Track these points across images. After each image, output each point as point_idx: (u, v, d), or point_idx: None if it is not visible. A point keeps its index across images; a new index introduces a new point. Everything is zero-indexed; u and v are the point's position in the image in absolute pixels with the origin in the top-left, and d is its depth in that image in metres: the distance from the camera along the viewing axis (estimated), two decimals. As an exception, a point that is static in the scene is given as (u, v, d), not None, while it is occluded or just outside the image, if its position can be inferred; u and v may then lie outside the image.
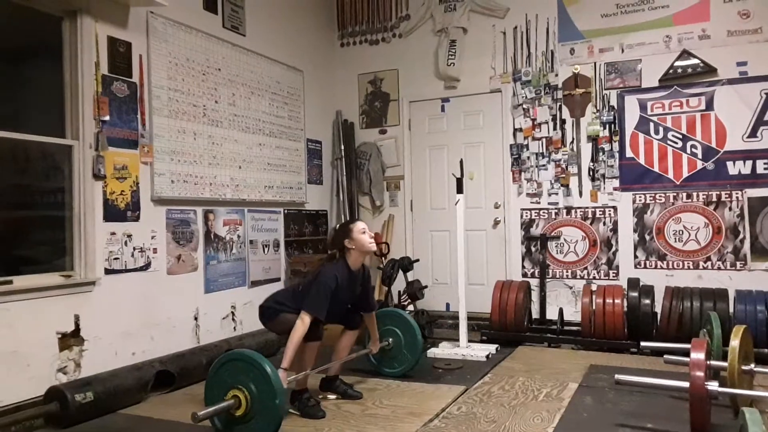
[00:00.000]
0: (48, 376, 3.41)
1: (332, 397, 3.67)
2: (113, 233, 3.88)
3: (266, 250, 5.30)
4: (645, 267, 5.30)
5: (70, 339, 3.57)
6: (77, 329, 3.61)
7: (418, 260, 5.80)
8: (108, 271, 3.82)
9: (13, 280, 3.33)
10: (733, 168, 5.05)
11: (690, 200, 5.19)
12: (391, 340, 4.09)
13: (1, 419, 3.11)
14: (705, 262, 5.13)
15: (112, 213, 3.87)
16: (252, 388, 2.88)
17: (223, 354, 3.17)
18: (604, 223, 5.47)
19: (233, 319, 4.87)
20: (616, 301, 4.72)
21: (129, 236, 3.99)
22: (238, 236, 4.99)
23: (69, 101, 3.72)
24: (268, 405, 2.85)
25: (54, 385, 3.34)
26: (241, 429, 2.92)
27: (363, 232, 3.50)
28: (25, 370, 3.32)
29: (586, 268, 5.53)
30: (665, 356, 3.74)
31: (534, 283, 5.59)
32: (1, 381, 3.19)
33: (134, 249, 4.02)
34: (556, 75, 5.62)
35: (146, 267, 4.10)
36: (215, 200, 4.70)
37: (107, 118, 3.84)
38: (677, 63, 5.19)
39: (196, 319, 4.50)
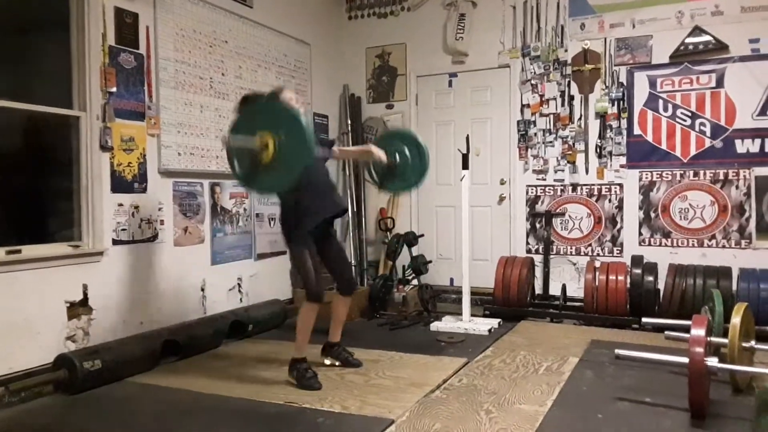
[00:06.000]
0: (57, 344, 3.48)
1: (329, 362, 3.74)
2: (120, 204, 3.92)
3: (272, 223, 5.33)
4: (649, 244, 5.30)
5: (79, 308, 3.63)
6: (85, 298, 3.67)
7: (422, 235, 5.83)
8: (116, 242, 3.87)
9: (22, 250, 3.38)
10: (742, 146, 5.01)
11: (697, 178, 5.16)
12: (399, 158, 4.02)
13: (11, 385, 3.19)
14: (710, 240, 5.12)
15: (120, 184, 3.91)
16: (282, 136, 2.88)
17: (258, 101, 3.27)
18: (610, 201, 5.46)
19: (239, 291, 4.93)
20: (619, 277, 4.74)
21: (136, 208, 4.02)
22: (245, 209, 5.02)
23: (76, 72, 3.73)
24: (294, 155, 2.86)
25: (63, 353, 3.42)
26: (262, 177, 2.95)
27: (291, 99, 3.50)
28: (35, 337, 3.38)
29: (590, 244, 5.54)
30: (666, 332, 3.75)
31: (538, 259, 5.61)
32: (11, 348, 3.26)
33: (141, 220, 4.06)
34: (566, 50, 5.56)
35: (153, 238, 4.15)
36: (222, 173, 4.72)
37: (114, 89, 3.85)
38: (689, 39, 5.12)
39: (202, 290, 4.55)
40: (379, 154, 3.87)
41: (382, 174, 4.09)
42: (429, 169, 4.12)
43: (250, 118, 3.05)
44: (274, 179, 2.99)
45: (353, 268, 6.05)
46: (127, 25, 3.96)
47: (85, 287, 3.66)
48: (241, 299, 4.93)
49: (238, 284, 4.93)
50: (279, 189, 3.20)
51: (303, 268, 3.45)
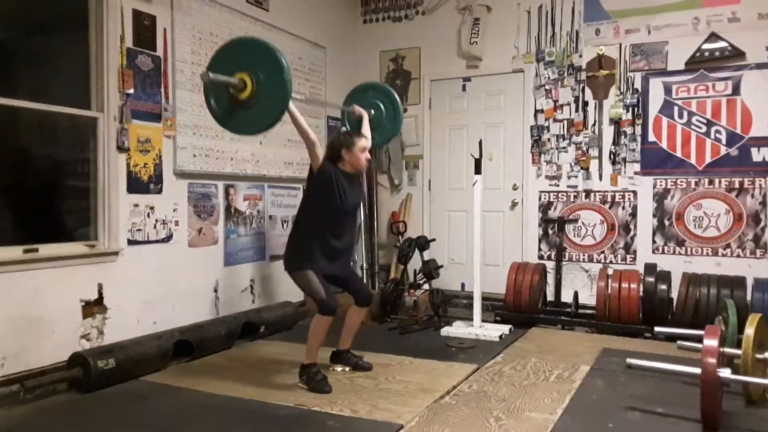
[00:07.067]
0: (71, 343, 3.52)
1: (340, 369, 3.74)
2: (136, 205, 3.96)
3: (285, 225, 5.36)
4: (663, 252, 5.27)
5: (94, 307, 3.67)
6: (100, 297, 3.71)
7: (434, 239, 5.82)
8: (131, 242, 3.91)
9: (38, 248, 3.43)
10: (758, 154, 4.96)
11: (712, 186, 5.13)
12: (373, 111, 4.13)
13: (26, 383, 3.23)
14: (724, 249, 5.08)
15: (136, 185, 3.95)
16: (260, 74, 2.86)
17: (232, 39, 3.19)
18: (623, 208, 5.43)
19: (252, 292, 4.96)
20: (632, 285, 4.71)
21: (152, 208, 4.06)
22: (258, 211, 5.06)
23: (94, 74, 3.77)
24: (273, 93, 2.84)
25: (77, 351, 3.46)
26: (241, 114, 2.93)
27: (363, 150, 3.54)
28: (50, 336, 3.43)
29: (603, 252, 5.52)
30: (679, 342, 3.73)
31: (550, 265, 5.58)
32: (26, 346, 3.30)
33: (156, 221, 4.10)
34: (580, 56, 5.54)
35: (168, 239, 4.18)
36: (236, 175, 4.76)
37: (131, 91, 3.89)
38: (705, 46, 5.09)
39: (215, 290, 4.59)
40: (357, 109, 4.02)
41: (356, 128, 4.07)
42: (402, 119, 4.21)
43: (229, 56, 3.01)
44: (252, 119, 2.96)
45: (365, 271, 6.07)
46: (144, 28, 4.00)
47: (100, 286, 3.71)
48: (253, 300, 4.96)
49: (251, 285, 4.96)
50: (256, 130, 3.16)
51: (310, 285, 3.45)
